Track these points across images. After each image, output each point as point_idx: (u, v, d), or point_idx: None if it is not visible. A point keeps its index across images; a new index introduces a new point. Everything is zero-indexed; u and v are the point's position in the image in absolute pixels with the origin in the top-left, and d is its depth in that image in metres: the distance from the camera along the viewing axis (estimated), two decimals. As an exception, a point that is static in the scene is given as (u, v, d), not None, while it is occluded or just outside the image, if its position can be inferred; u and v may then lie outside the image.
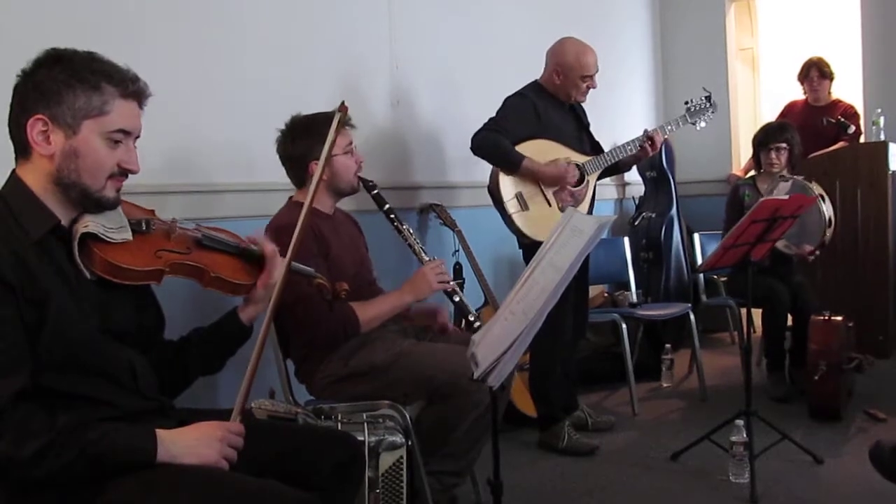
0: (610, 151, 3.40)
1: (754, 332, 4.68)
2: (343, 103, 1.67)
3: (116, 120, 1.45)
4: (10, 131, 1.46)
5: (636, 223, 5.19)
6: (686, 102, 3.57)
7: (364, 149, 3.22)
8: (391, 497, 2.10)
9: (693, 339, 4.06)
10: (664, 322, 4.50)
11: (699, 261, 4.42)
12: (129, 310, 1.56)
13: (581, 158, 3.35)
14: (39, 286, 1.36)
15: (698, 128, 3.57)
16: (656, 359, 4.39)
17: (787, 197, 3.00)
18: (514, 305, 1.61)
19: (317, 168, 2.35)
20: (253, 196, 2.80)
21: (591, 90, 3.39)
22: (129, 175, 1.51)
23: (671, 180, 5.25)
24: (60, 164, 1.42)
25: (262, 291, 1.69)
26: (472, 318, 2.37)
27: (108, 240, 1.47)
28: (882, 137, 4.60)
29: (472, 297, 3.70)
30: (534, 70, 3.44)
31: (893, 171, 4.53)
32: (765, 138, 4.06)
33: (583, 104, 3.48)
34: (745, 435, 2.80)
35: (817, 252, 3.76)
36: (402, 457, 2.12)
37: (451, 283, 2.42)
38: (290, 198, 2.50)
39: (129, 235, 1.51)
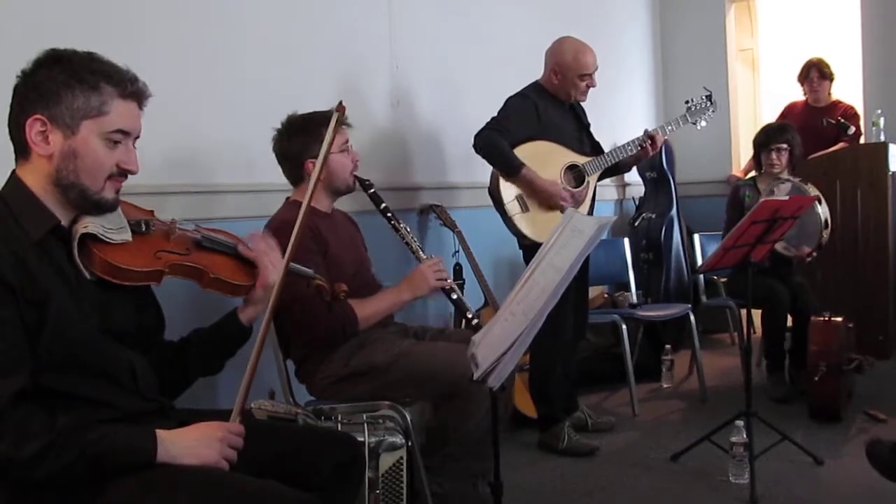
0: (610, 152, 3.40)
1: (754, 332, 4.68)
2: (341, 103, 1.67)
3: (115, 120, 1.45)
4: (10, 131, 1.46)
5: (636, 224, 5.19)
6: (686, 102, 3.57)
7: (364, 149, 3.23)
8: (391, 498, 2.10)
9: (693, 340, 4.06)
10: (664, 323, 4.50)
11: (699, 261, 4.42)
12: (129, 310, 1.56)
13: (581, 159, 3.35)
14: (39, 286, 1.36)
15: (699, 127, 3.57)
16: (656, 360, 4.39)
17: (786, 198, 3.00)
18: (515, 306, 1.61)
19: (313, 166, 2.39)
20: (253, 196, 2.79)
21: (592, 90, 3.39)
22: (129, 175, 1.51)
23: (671, 181, 5.25)
24: (59, 165, 1.42)
25: (261, 292, 1.69)
26: (470, 316, 2.37)
27: (108, 240, 1.47)
28: (882, 138, 4.60)
29: (472, 297, 3.70)
30: (534, 70, 3.44)
31: (893, 172, 4.53)
32: (766, 139, 4.06)
33: (583, 104, 3.48)
34: (745, 436, 2.80)
35: (815, 253, 3.77)
36: (402, 457, 2.12)
37: (449, 280, 2.42)
38: (288, 198, 2.50)
39: (128, 236, 1.51)
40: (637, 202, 5.42)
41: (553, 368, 3.32)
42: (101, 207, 1.47)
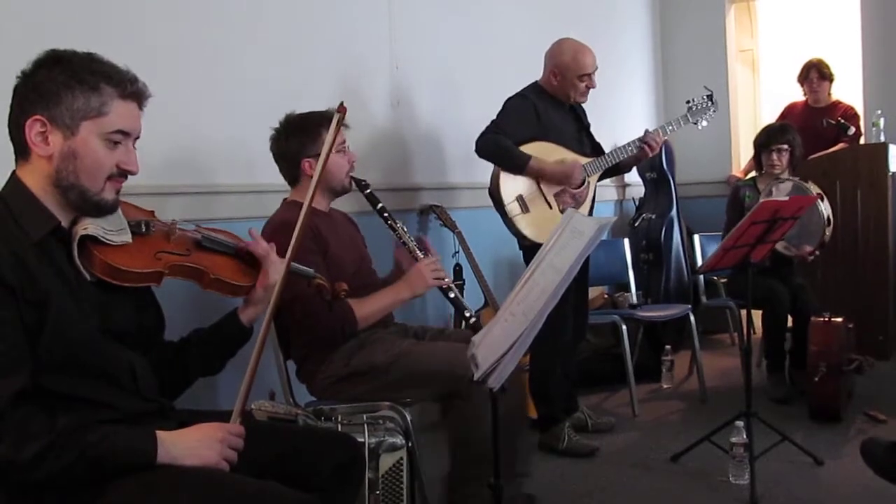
0: (610, 153, 3.40)
1: (754, 333, 4.68)
2: (342, 104, 1.67)
3: (115, 121, 1.44)
4: (10, 132, 1.45)
5: (636, 224, 5.19)
6: (687, 102, 3.57)
7: (364, 149, 3.23)
8: (391, 498, 2.10)
9: (693, 341, 4.06)
10: (664, 323, 4.50)
11: (699, 262, 4.42)
12: (129, 311, 1.56)
13: (581, 160, 3.34)
14: (39, 287, 1.36)
15: (700, 127, 3.57)
16: (656, 360, 4.39)
17: (786, 198, 3.00)
18: (515, 307, 1.60)
19: (310, 166, 2.39)
20: (253, 197, 2.79)
21: (592, 91, 3.39)
22: (129, 176, 1.50)
23: (671, 181, 5.25)
24: (59, 165, 1.42)
25: (261, 293, 1.69)
26: (468, 315, 2.37)
27: (108, 242, 1.47)
28: (882, 139, 4.60)
29: (472, 298, 3.70)
30: (534, 70, 3.44)
31: (893, 173, 4.53)
32: (766, 139, 4.06)
33: (583, 105, 3.48)
34: (745, 436, 2.80)
35: (817, 252, 3.76)
36: (402, 458, 2.11)
37: (447, 279, 2.42)
38: (285, 199, 2.50)
39: (128, 238, 1.51)
40: (637, 203, 5.42)
41: (553, 369, 3.32)
42: (102, 208, 1.47)
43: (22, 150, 1.44)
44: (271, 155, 2.50)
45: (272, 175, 2.53)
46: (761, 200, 3.08)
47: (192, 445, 1.43)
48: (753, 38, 6.41)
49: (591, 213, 3.43)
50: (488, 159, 3.25)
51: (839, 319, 3.53)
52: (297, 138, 2.41)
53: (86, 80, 1.42)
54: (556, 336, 3.19)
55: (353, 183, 2.51)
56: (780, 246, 3.60)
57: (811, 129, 4.75)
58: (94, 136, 1.43)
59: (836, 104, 5.04)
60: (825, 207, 3.67)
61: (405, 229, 2.48)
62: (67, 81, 1.41)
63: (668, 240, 5.09)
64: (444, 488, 2.32)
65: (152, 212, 1.67)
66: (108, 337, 1.49)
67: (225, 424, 1.49)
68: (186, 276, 1.60)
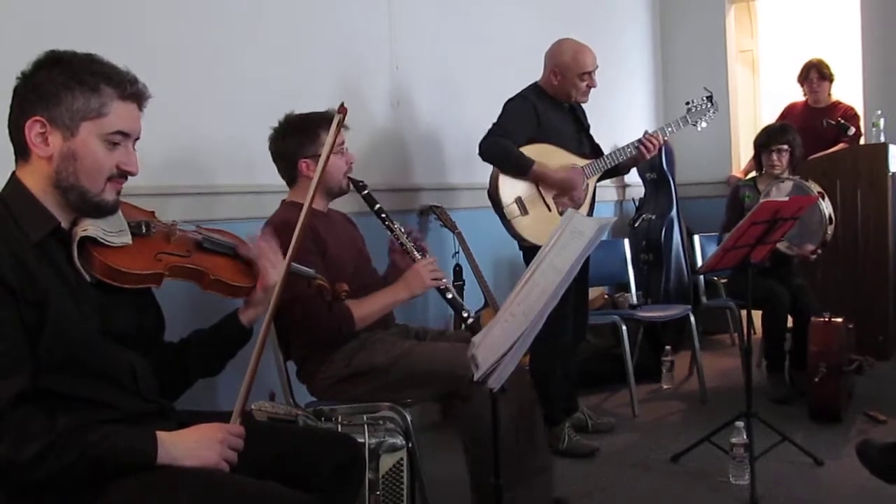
0: (609, 154, 3.40)
1: (754, 333, 4.68)
2: (343, 105, 1.67)
3: (115, 122, 1.44)
4: (10, 133, 1.45)
5: (636, 225, 5.19)
6: (687, 103, 3.57)
7: (364, 150, 3.23)
8: (391, 499, 2.10)
9: (693, 341, 4.06)
10: (664, 324, 4.50)
11: (699, 262, 4.42)
12: (129, 312, 1.56)
13: (580, 161, 3.35)
14: (39, 287, 1.36)
15: (699, 128, 3.56)
16: (656, 360, 4.38)
17: (786, 199, 3.00)
18: (515, 307, 1.60)
19: (307, 166, 2.39)
20: (253, 198, 2.79)
21: (592, 91, 3.39)
22: (129, 177, 1.50)
23: (671, 182, 5.25)
24: (59, 166, 1.42)
25: (261, 294, 1.69)
26: (465, 315, 2.37)
27: (107, 243, 1.47)
28: (882, 139, 4.60)
29: (472, 298, 3.70)
30: (534, 71, 3.44)
31: (893, 173, 4.53)
32: (766, 140, 4.06)
33: (583, 105, 3.48)
34: (745, 436, 2.80)
35: (819, 251, 3.76)
36: (402, 459, 2.11)
37: (444, 280, 2.42)
38: (284, 200, 2.50)
39: (128, 239, 1.51)
40: (637, 203, 5.42)
41: (553, 369, 3.32)
42: (102, 210, 1.46)
43: (22, 151, 1.44)
44: (271, 156, 2.50)
45: (272, 176, 2.53)
46: (762, 200, 3.08)
47: (191, 446, 1.43)
48: (753, 39, 6.41)
49: (590, 214, 3.43)
50: (492, 162, 3.25)
51: (839, 320, 3.53)
52: (295, 138, 2.41)
53: (85, 81, 1.42)
54: (556, 336, 3.19)
55: (351, 184, 2.51)
56: (782, 245, 3.60)
57: (811, 129, 4.75)
58: (93, 137, 1.43)
59: (836, 104, 5.04)
60: (826, 206, 3.67)
61: (402, 230, 2.48)
62: (67, 82, 1.41)
63: (668, 240, 5.09)
64: (473, 494, 2.31)
65: (152, 212, 1.67)
66: (109, 338, 1.48)
67: (225, 425, 1.49)
68: (187, 277, 1.60)
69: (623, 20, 5.62)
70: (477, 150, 3.26)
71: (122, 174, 1.48)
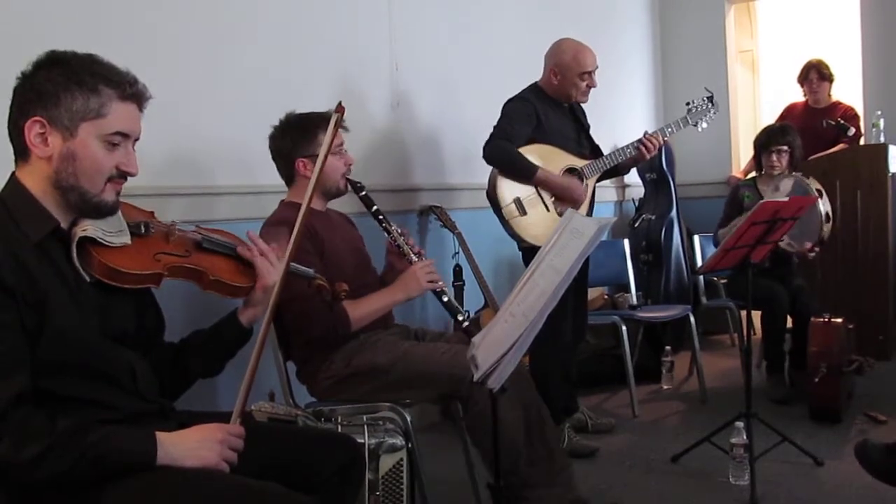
0: (608, 155, 3.40)
1: (754, 334, 4.68)
2: (340, 104, 1.66)
3: (114, 122, 1.44)
4: (9, 133, 1.45)
5: (636, 225, 5.19)
6: (687, 104, 3.57)
7: (364, 150, 3.23)
8: (391, 499, 2.10)
9: (693, 341, 4.05)
10: (664, 324, 4.50)
11: (699, 263, 4.42)
12: (129, 312, 1.56)
13: (579, 162, 3.35)
14: (39, 288, 1.36)
15: (700, 129, 3.56)
16: (656, 361, 4.38)
17: (786, 199, 3.00)
18: (515, 307, 1.60)
19: (304, 166, 2.39)
20: (253, 198, 2.79)
21: (592, 91, 3.39)
22: (129, 177, 1.50)
23: (671, 182, 5.25)
24: (58, 167, 1.42)
25: (260, 294, 1.68)
26: (460, 318, 2.37)
27: (107, 244, 1.47)
28: (882, 139, 4.60)
29: (472, 298, 3.70)
30: (534, 71, 3.44)
31: (893, 173, 4.53)
32: (766, 140, 4.06)
33: (583, 105, 3.48)
34: (745, 437, 2.80)
35: (817, 249, 3.76)
36: (402, 459, 2.11)
37: (440, 283, 2.42)
38: (282, 200, 2.50)
39: (127, 239, 1.51)
40: (637, 203, 5.42)
41: (553, 369, 3.31)
42: (101, 210, 1.46)
43: (21, 152, 1.44)
44: (270, 155, 2.50)
45: (272, 176, 2.53)
46: (764, 200, 3.08)
47: (191, 446, 1.43)
48: (753, 39, 6.42)
49: (590, 214, 3.43)
50: (496, 166, 3.25)
51: (839, 320, 3.53)
52: (294, 137, 2.41)
53: (85, 82, 1.42)
54: (555, 337, 3.19)
55: (349, 185, 2.50)
56: (782, 241, 3.59)
57: (811, 129, 4.75)
58: (93, 138, 1.43)
59: (836, 105, 5.05)
60: (823, 203, 3.68)
61: (399, 232, 2.48)
62: (66, 83, 1.41)
63: (668, 240, 5.09)
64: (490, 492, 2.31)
65: (152, 213, 1.66)
66: (108, 338, 1.48)
67: (225, 425, 1.49)
68: (186, 278, 1.60)
69: (623, 20, 5.62)
70: (477, 151, 3.26)
71: (122, 175, 1.48)
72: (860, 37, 5.28)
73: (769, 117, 5.74)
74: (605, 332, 4.24)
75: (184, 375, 1.71)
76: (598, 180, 3.47)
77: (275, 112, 2.49)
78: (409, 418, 2.24)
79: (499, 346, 1.61)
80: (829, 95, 5.08)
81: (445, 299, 2.40)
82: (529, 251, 3.25)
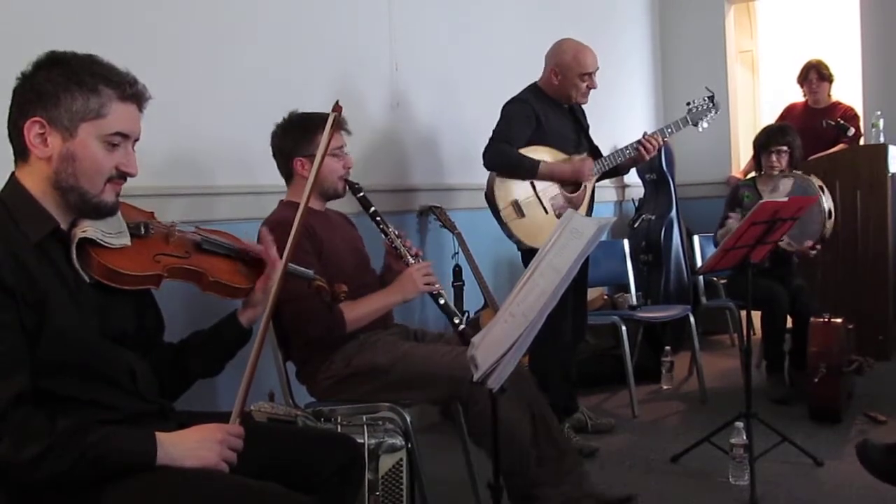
0: (608, 155, 3.40)
1: (754, 334, 4.68)
2: (337, 103, 1.66)
3: (114, 123, 1.44)
4: (9, 134, 1.45)
5: (636, 225, 5.19)
6: (688, 104, 3.56)
7: (364, 150, 3.23)
8: (391, 499, 2.10)
9: (693, 342, 4.05)
10: (664, 324, 4.50)
11: (699, 263, 4.42)
12: (129, 313, 1.56)
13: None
14: (38, 288, 1.36)
15: (700, 129, 3.56)
16: (656, 361, 4.38)
17: (786, 199, 3.00)
18: (514, 307, 1.60)
19: (301, 165, 2.40)
20: (253, 198, 2.79)
21: (592, 91, 3.38)
22: (129, 177, 1.50)
23: (671, 182, 5.25)
24: (58, 167, 1.42)
25: (260, 295, 1.68)
26: (457, 321, 2.37)
27: (106, 245, 1.47)
28: (882, 140, 4.61)
29: (472, 299, 3.70)
30: (533, 71, 3.44)
31: (893, 174, 4.54)
32: (766, 140, 4.06)
33: (583, 106, 3.48)
34: (744, 437, 2.80)
35: (818, 246, 3.76)
36: (401, 459, 2.11)
37: (437, 285, 2.42)
38: (281, 201, 2.50)
39: (127, 240, 1.51)
40: (637, 203, 5.42)
41: (552, 369, 3.32)
42: (101, 211, 1.46)
43: (21, 152, 1.44)
44: (271, 152, 2.50)
45: (272, 176, 2.54)
46: (765, 199, 3.08)
47: (191, 446, 1.43)
48: (753, 39, 6.42)
49: (589, 214, 3.43)
50: (497, 171, 3.25)
51: (839, 320, 3.53)
52: (294, 136, 2.42)
53: (84, 82, 1.42)
54: (555, 337, 3.19)
55: (347, 187, 2.50)
56: (782, 241, 3.59)
57: (811, 129, 4.75)
58: (92, 138, 1.43)
59: (836, 105, 5.05)
60: (826, 200, 3.67)
61: (397, 233, 2.47)
62: (66, 83, 1.41)
63: (668, 241, 5.09)
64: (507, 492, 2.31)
65: (152, 213, 1.66)
66: (108, 339, 1.48)
67: (224, 425, 1.49)
68: (185, 279, 1.60)
69: (623, 20, 5.63)
70: (477, 151, 3.26)
71: (122, 175, 1.48)
72: (860, 37, 5.28)
73: (769, 117, 5.74)
74: (604, 333, 4.24)
75: (183, 376, 1.71)
76: (598, 180, 3.47)
77: (275, 112, 2.49)
78: (408, 418, 2.24)
79: (498, 346, 1.61)
80: (829, 96, 5.08)
81: (442, 302, 2.40)
82: (528, 253, 3.25)
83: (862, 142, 4.87)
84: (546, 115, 3.31)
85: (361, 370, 2.32)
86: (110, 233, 1.48)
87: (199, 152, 2.70)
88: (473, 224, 3.65)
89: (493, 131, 3.25)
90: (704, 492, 2.82)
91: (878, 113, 4.67)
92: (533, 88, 3.40)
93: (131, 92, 1.47)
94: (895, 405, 3.61)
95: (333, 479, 1.67)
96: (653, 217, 5.17)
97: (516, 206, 3.25)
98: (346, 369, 2.33)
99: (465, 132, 3.66)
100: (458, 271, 3.70)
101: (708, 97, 3.54)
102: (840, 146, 4.80)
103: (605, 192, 5.18)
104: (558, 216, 3.23)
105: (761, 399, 3.67)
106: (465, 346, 1.84)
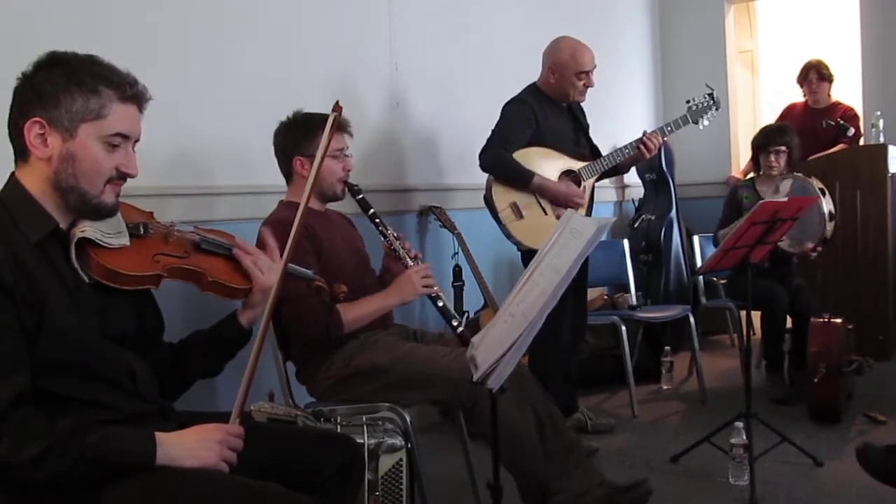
0: (608, 155, 3.40)
1: (754, 334, 4.68)
2: (337, 103, 1.66)
3: (114, 124, 1.44)
4: (9, 134, 1.45)
5: (636, 225, 5.19)
6: (687, 101, 3.55)
7: (364, 151, 3.23)
8: (391, 499, 2.10)
9: (693, 342, 4.05)
10: (664, 324, 4.50)
11: (699, 263, 4.42)
12: (128, 313, 1.56)
13: (577, 164, 3.35)
14: (38, 288, 1.36)
15: (701, 127, 3.55)
16: (656, 361, 4.38)
17: (786, 199, 3.00)
18: (514, 307, 1.60)
19: (301, 165, 2.40)
20: (253, 198, 2.79)
21: (591, 91, 3.38)
22: (129, 178, 1.50)
23: (671, 183, 5.25)
24: (58, 168, 1.42)
25: (259, 295, 1.68)
26: (455, 324, 2.37)
27: (105, 245, 1.47)
28: (881, 140, 4.60)
29: (472, 299, 3.70)
30: (533, 72, 3.44)
31: (893, 174, 4.53)
32: (764, 141, 4.06)
33: (583, 106, 3.48)
34: (744, 437, 2.80)
35: (819, 248, 3.76)
36: (401, 459, 2.12)
37: (436, 288, 2.42)
38: (281, 201, 2.50)
39: (126, 241, 1.51)
40: (636, 204, 5.42)
41: (552, 370, 3.31)
42: (101, 211, 1.46)
43: (21, 152, 1.44)
44: (273, 156, 2.50)
45: (272, 176, 2.54)
46: (765, 199, 3.08)
47: (191, 447, 1.43)
48: (753, 39, 6.42)
49: (589, 214, 3.43)
50: (493, 174, 3.25)
51: (839, 320, 3.53)
52: (295, 135, 2.42)
53: (85, 83, 1.42)
54: (555, 337, 3.19)
55: (347, 189, 2.50)
56: (783, 242, 3.59)
57: (811, 130, 4.75)
58: (92, 139, 1.43)
59: (836, 105, 5.05)
60: (826, 203, 3.67)
61: (395, 235, 2.47)
62: (66, 84, 1.41)
63: (668, 241, 5.09)
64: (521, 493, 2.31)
65: (151, 213, 1.66)
66: (107, 339, 1.49)
67: (224, 425, 1.49)
68: (185, 279, 1.59)
69: (623, 20, 5.63)
70: (477, 151, 3.26)
71: (122, 176, 1.48)
72: (860, 37, 5.28)
73: (769, 117, 5.74)
74: (604, 333, 4.24)
75: (183, 376, 1.71)
76: (598, 179, 3.46)
77: (275, 112, 2.49)
78: (408, 418, 2.24)
79: (498, 346, 1.61)
80: (829, 96, 5.08)
81: (440, 304, 2.40)
82: (529, 254, 3.25)
83: (862, 142, 4.87)
84: (545, 115, 3.31)
85: (361, 370, 2.32)
86: (109, 233, 1.48)
87: (199, 152, 2.70)
88: (473, 224, 3.66)
89: (492, 132, 3.24)
90: (704, 492, 2.82)
91: (878, 113, 4.66)
92: (532, 88, 3.40)
93: (132, 93, 1.47)
94: (895, 405, 3.61)
95: (333, 479, 1.67)
96: (653, 217, 5.17)
97: (515, 207, 3.25)
98: (346, 369, 2.33)
99: (465, 132, 3.66)
100: (457, 271, 3.70)
101: (708, 94, 3.53)
102: (840, 146, 4.80)
103: (605, 192, 5.18)
104: (557, 217, 3.22)
105: (761, 399, 3.67)
106: (464, 348, 1.84)
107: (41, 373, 1.36)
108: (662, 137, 3.40)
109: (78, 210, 1.45)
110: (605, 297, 4.68)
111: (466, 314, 3.70)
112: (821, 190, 3.68)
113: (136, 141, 1.51)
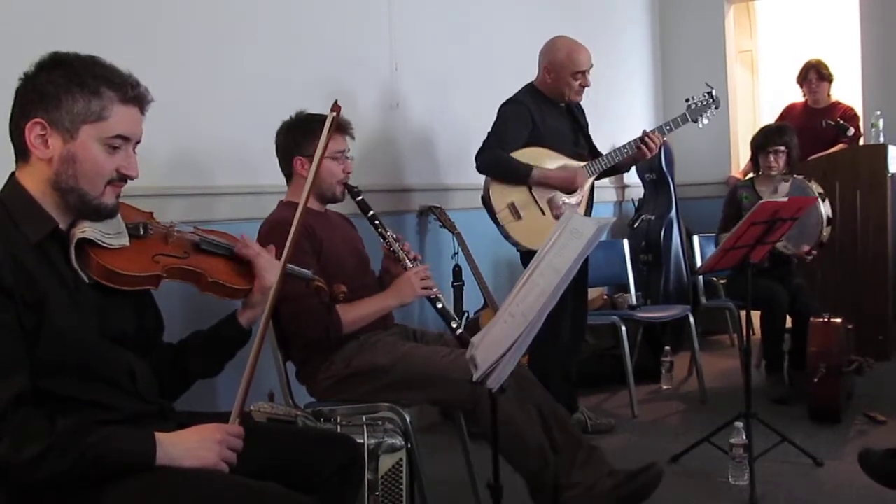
0: (608, 154, 3.39)
1: (753, 334, 4.68)
2: (336, 102, 1.66)
3: (115, 125, 1.44)
4: (10, 134, 1.45)
5: (635, 225, 5.19)
6: (687, 100, 3.55)
7: (364, 151, 3.23)
8: (391, 499, 2.10)
9: (692, 342, 4.05)
10: (664, 324, 4.50)
11: (699, 263, 4.42)
12: (128, 313, 1.56)
13: (576, 164, 3.34)
14: (38, 289, 1.36)
15: (700, 125, 3.55)
16: (656, 361, 4.38)
17: (786, 199, 3.00)
18: (514, 307, 1.60)
19: (300, 164, 2.40)
20: (253, 198, 2.79)
21: (590, 91, 3.38)
22: (129, 180, 1.50)
23: (670, 182, 5.25)
24: (59, 169, 1.42)
25: (259, 295, 1.68)
26: (454, 326, 2.37)
27: (105, 245, 1.47)
28: (881, 140, 4.61)
29: (472, 299, 3.70)
30: (533, 72, 3.44)
31: (893, 174, 4.54)
32: (763, 141, 4.06)
33: (582, 105, 3.47)
34: (744, 437, 2.80)
35: (815, 252, 3.76)
36: (401, 459, 2.12)
37: (435, 290, 2.42)
38: (281, 201, 2.50)
39: (126, 241, 1.51)
40: (636, 203, 5.42)
41: (552, 369, 3.31)
42: (101, 213, 1.46)
43: (22, 153, 1.44)
44: (273, 157, 2.50)
45: (272, 176, 2.54)
46: (764, 200, 3.08)
47: (191, 447, 1.43)
48: (752, 39, 6.42)
49: (589, 214, 3.43)
50: (491, 176, 3.25)
51: (839, 320, 3.53)
52: (296, 135, 2.42)
53: (86, 84, 1.42)
54: (555, 337, 3.19)
55: (346, 191, 2.49)
56: (779, 244, 3.59)
57: (810, 129, 4.75)
58: (93, 141, 1.43)
59: (836, 105, 5.05)
60: (825, 207, 3.67)
61: (395, 237, 2.47)
62: (68, 85, 1.41)
63: (668, 241, 5.09)
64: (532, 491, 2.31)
65: (151, 213, 1.67)
66: (107, 339, 1.49)
67: (224, 425, 1.49)
68: (184, 279, 1.60)
69: (623, 20, 5.63)
70: (476, 151, 3.26)
71: (122, 178, 1.48)
72: (860, 37, 5.28)
73: (769, 117, 5.74)
74: (604, 333, 4.24)
75: (183, 376, 1.71)
76: (598, 178, 3.46)
77: (275, 112, 2.49)
78: (408, 418, 2.24)
79: (498, 346, 1.61)
80: (829, 95, 5.08)
81: (439, 306, 2.40)
82: (528, 254, 3.25)
83: (862, 142, 4.87)
84: (542, 115, 3.30)
85: (361, 370, 2.32)
86: (109, 233, 1.48)
87: (199, 152, 2.70)
88: (472, 224, 3.66)
89: (489, 133, 3.24)
90: (704, 492, 2.82)
91: (878, 113, 4.67)
92: (529, 89, 3.39)
93: (133, 94, 1.47)
94: (895, 405, 3.61)
95: (333, 479, 1.67)
96: (652, 217, 5.17)
97: (513, 208, 3.24)
98: (346, 369, 2.34)
99: (465, 132, 3.66)
100: (457, 271, 3.70)
101: (707, 93, 3.53)
102: (840, 146, 4.80)
103: (605, 192, 5.18)
104: (556, 217, 3.22)
105: (761, 399, 3.67)
106: (464, 349, 1.84)
107: (41, 373, 1.36)
108: (662, 137, 3.40)
109: (78, 211, 1.45)
110: (605, 297, 4.68)
111: (466, 314, 3.71)
112: (820, 195, 3.68)
113: (137, 143, 1.51)
